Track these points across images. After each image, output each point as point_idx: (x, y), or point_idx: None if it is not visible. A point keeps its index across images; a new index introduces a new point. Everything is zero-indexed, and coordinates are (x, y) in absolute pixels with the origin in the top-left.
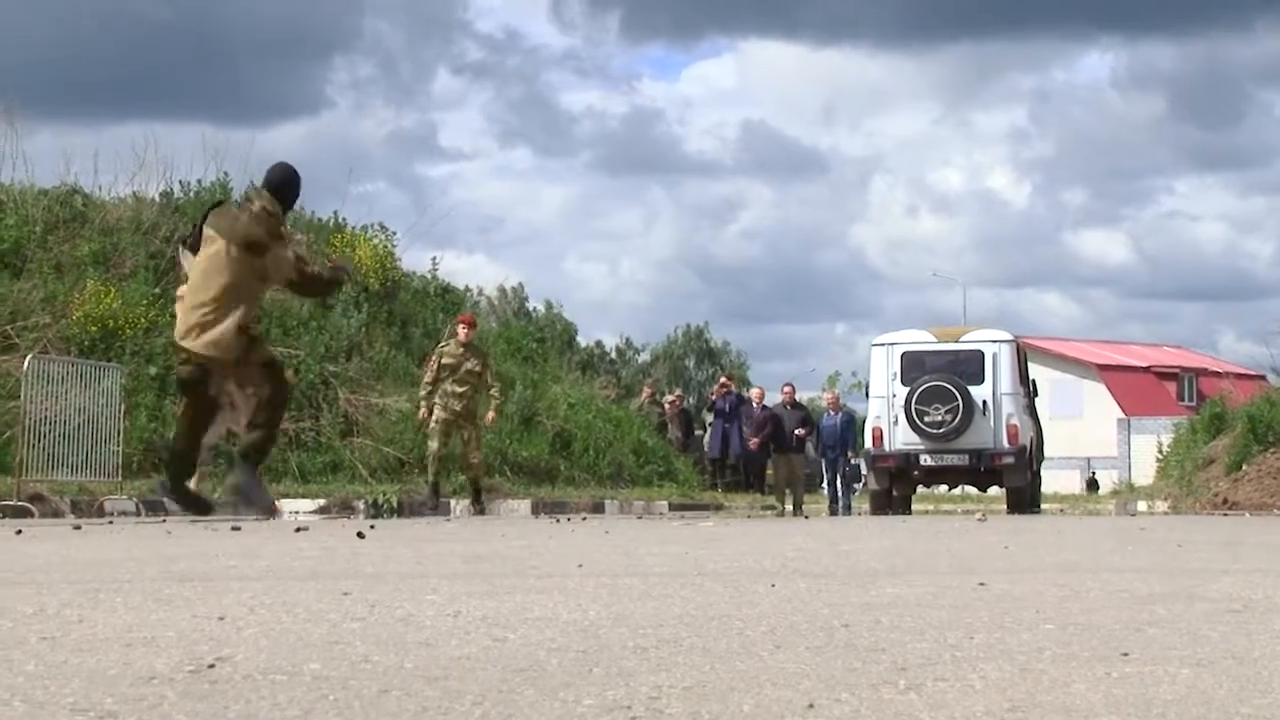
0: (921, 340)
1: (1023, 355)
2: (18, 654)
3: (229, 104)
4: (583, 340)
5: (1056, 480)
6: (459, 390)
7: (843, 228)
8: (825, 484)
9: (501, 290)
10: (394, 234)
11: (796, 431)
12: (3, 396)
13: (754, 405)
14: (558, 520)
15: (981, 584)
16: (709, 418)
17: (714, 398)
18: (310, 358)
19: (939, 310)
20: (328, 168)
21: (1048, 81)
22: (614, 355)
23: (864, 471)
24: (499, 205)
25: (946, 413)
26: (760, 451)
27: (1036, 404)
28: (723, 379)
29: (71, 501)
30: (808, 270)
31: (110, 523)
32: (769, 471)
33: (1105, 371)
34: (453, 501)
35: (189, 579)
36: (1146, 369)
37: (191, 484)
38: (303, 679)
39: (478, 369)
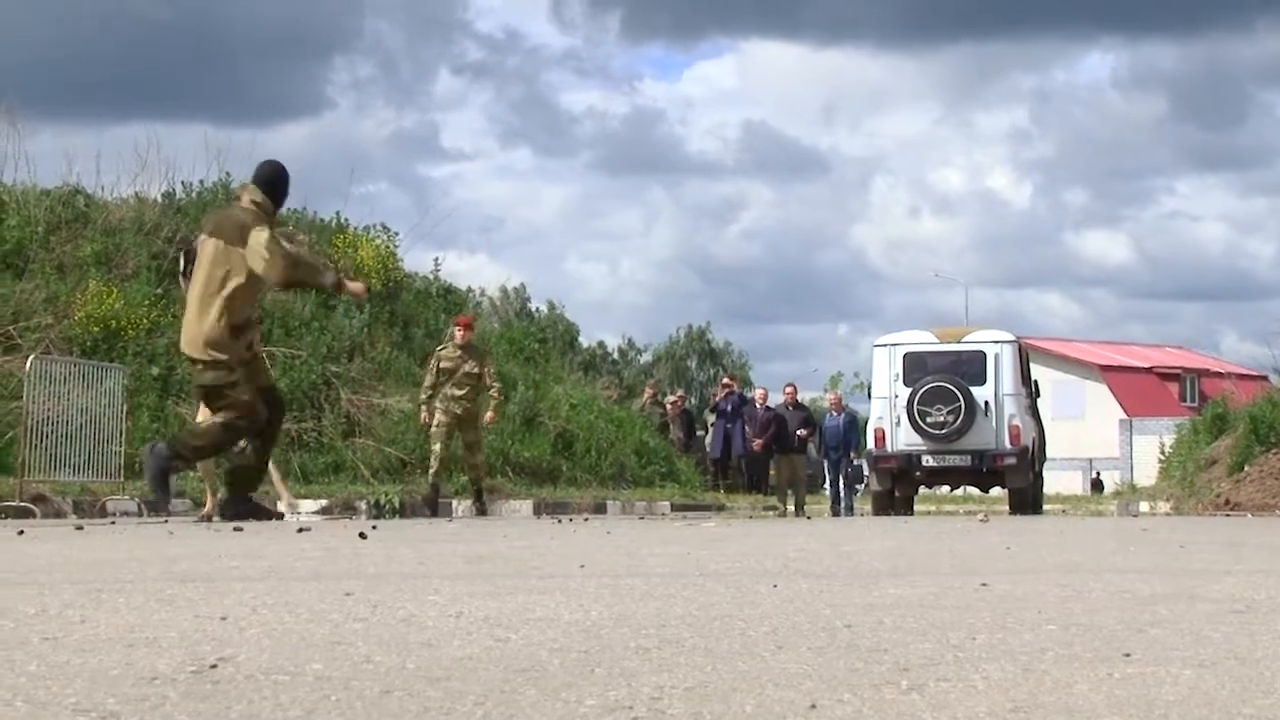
0: (923, 341)
1: (1025, 356)
2: (20, 654)
3: (230, 104)
4: (585, 341)
5: (1058, 481)
6: (459, 393)
7: (844, 228)
8: (827, 485)
9: (503, 291)
10: (396, 234)
11: (799, 432)
12: (5, 397)
13: (757, 406)
14: (559, 521)
15: (984, 585)
16: (711, 418)
17: (716, 398)
18: (312, 358)
19: (940, 311)
20: (329, 168)
21: (1049, 82)
22: (616, 356)
23: (866, 472)
24: (500, 206)
25: (948, 413)
26: (763, 452)
27: (1039, 405)
28: (725, 379)
29: (74, 502)
30: (809, 271)
31: (112, 523)
32: (771, 472)
33: (1107, 372)
34: (454, 502)
35: (191, 579)
36: (1148, 370)
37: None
38: (305, 679)
39: (476, 370)
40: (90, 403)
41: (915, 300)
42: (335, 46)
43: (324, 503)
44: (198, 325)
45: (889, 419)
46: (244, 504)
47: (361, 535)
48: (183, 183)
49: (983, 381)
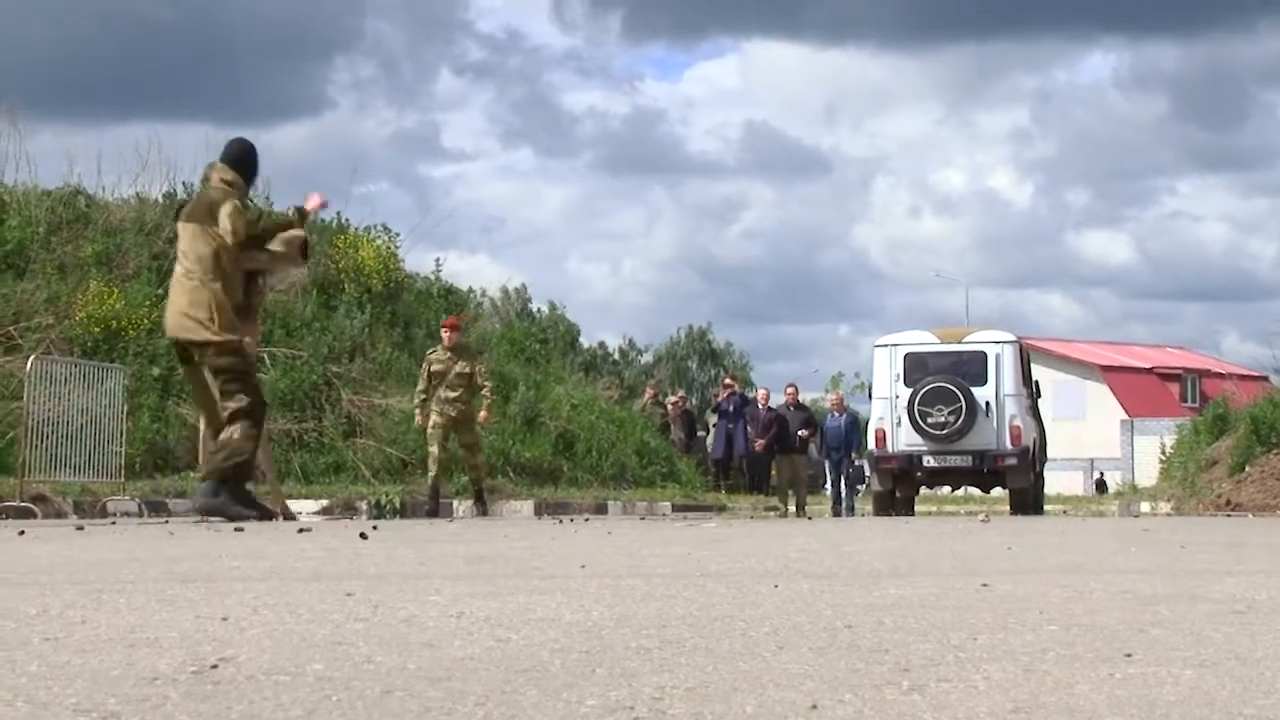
0: (924, 341)
1: (1025, 356)
2: (21, 655)
3: (231, 104)
4: (586, 341)
5: (1059, 481)
6: (452, 395)
7: (845, 228)
8: (828, 485)
9: (504, 291)
10: (397, 235)
11: (800, 432)
12: (5, 397)
13: (759, 406)
14: (560, 521)
15: (985, 585)
16: (713, 419)
17: (718, 399)
18: (313, 358)
19: (941, 311)
20: (330, 168)
21: (1050, 82)
22: (617, 356)
23: (867, 473)
24: (501, 206)
25: (949, 414)
26: (765, 452)
27: (1040, 405)
28: (726, 379)
29: (74, 502)
30: (810, 271)
31: (113, 523)
32: (773, 473)
33: (1108, 373)
34: (455, 503)
35: (192, 580)
36: (1149, 370)
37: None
38: (306, 680)
39: (468, 370)
40: (91, 403)
41: (916, 300)
42: (336, 46)
43: (325, 503)
44: (198, 309)
45: (890, 419)
46: (218, 494)
47: (362, 535)
48: (184, 183)
49: (984, 382)
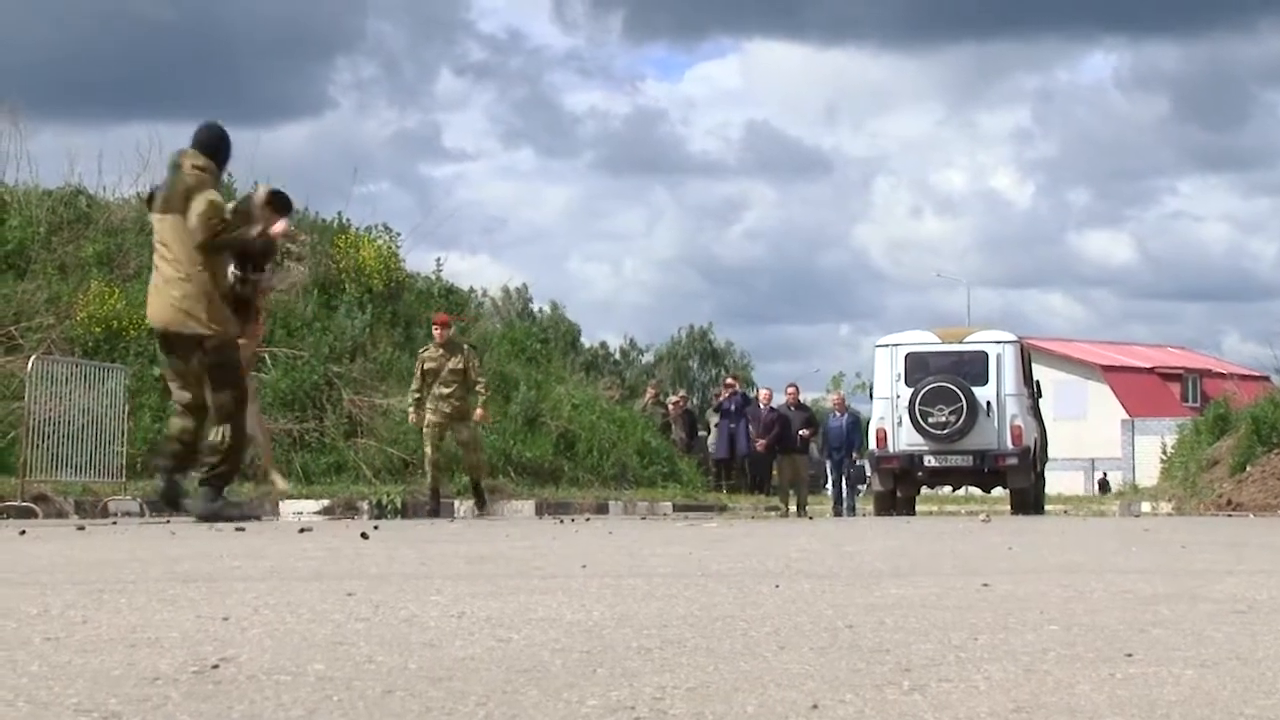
0: (925, 341)
1: (1027, 356)
2: (22, 654)
3: (232, 104)
4: (587, 341)
5: (1060, 481)
6: (446, 392)
7: (846, 228)
8: (830, 485)
9: (506, 291)
10: (398, 235)
11: (801, 432)
12: (7, 397)
13: (760, 406)
14: (561, 521)
15: (985, 585)
16: (715, 418)
17: (720, 398)
18: (314, 358)
19: (943, 311)
20: (331, 168)
21: (1051, 82)
22: (618, 356)
23: (868, 473)
24: (502, 206)
25: (950, 414)
26: (766, 452)
27: (1041, 405)
28: (728, 379)
29: (75, 502)
30: (811, 271)
31: (114, 523)
32: (774, 472)
33: (1109, 372)
34: (456, 503)
35: (193, 579)
36: (1150, 370)
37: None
38: (307, 679)
39: (461, 367)
40: (92, 403)
41: (917, 300)
42: (337, 47)
43: (326, 503)
44: (190, 301)
45: (891, 419)
46: (216, 500)
47: (363, 535)
48: None
49: (985, 382)
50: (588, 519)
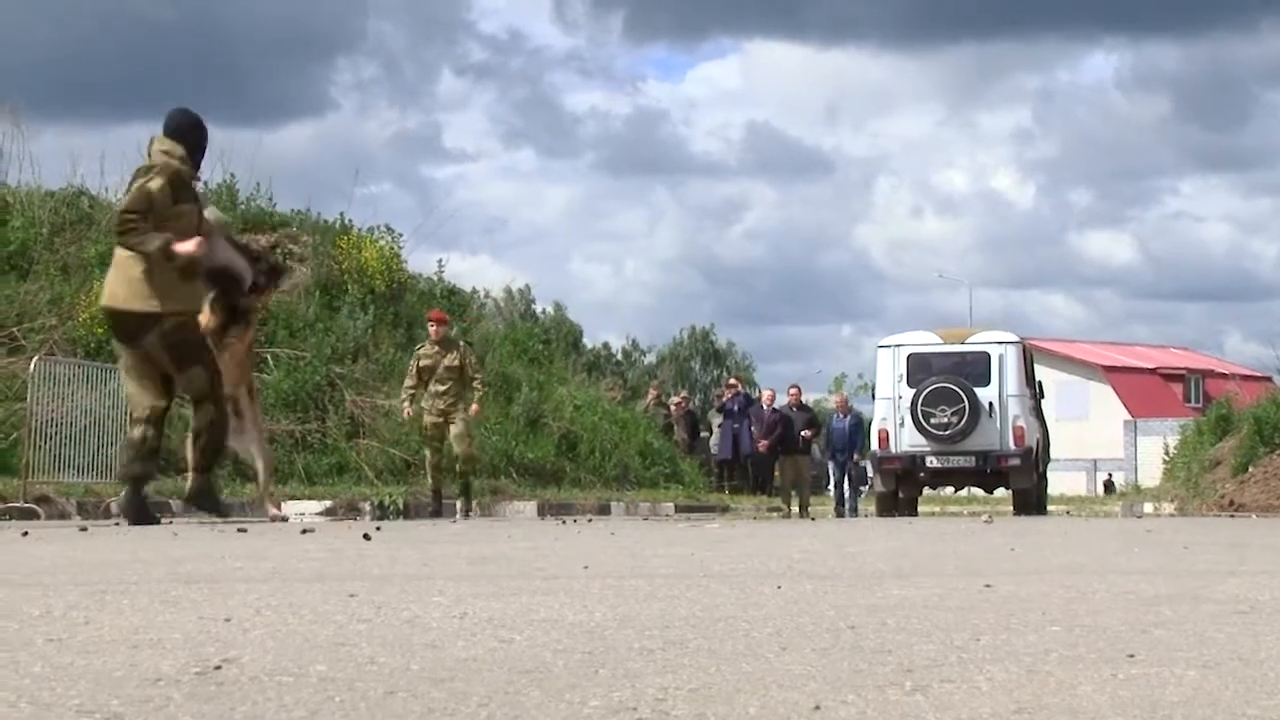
0: (927, 342)
1: (1029, 356)
2: (24, 655)
3: (233, 105)
4: (589, 342)
5: (1063, 482)
6: (442, 389)
7: (847, 229)
8: (832, 486)
9: (508, 292)
10: (399, 235)
11: (803, 433)
12: (9, 398)
13: (763, 407)
14: (563, 522)
15: (988, 586)
16: (718, 419)
17: (722, 399)
18: (316, 359)
19: (944, 311)
20: (333, 169)
21: (1052, 82)
22: (620, 357)
23: (870, 473)
24: (503, 206)
25: (953, 414)
26: (768, 453)
27: (1043, 405)
28: (731, 380)
29: (78, 503)
30: (812, 271)
31: (116, 524)
32: (776, 473)
33: (1111, 373)
34: (457, 504)
35: (195, 581)
36: (1152, 370)
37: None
38: (309, 680)
39: (456, 363)
40: (94, 404)
41: (919, 301)
42: (338, 47)
43: (328, 504)
44: (136, 280)
45: (893, 420)
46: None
47: (365, 536)
48: None
49: (987, 382)
50: (590, 520)
